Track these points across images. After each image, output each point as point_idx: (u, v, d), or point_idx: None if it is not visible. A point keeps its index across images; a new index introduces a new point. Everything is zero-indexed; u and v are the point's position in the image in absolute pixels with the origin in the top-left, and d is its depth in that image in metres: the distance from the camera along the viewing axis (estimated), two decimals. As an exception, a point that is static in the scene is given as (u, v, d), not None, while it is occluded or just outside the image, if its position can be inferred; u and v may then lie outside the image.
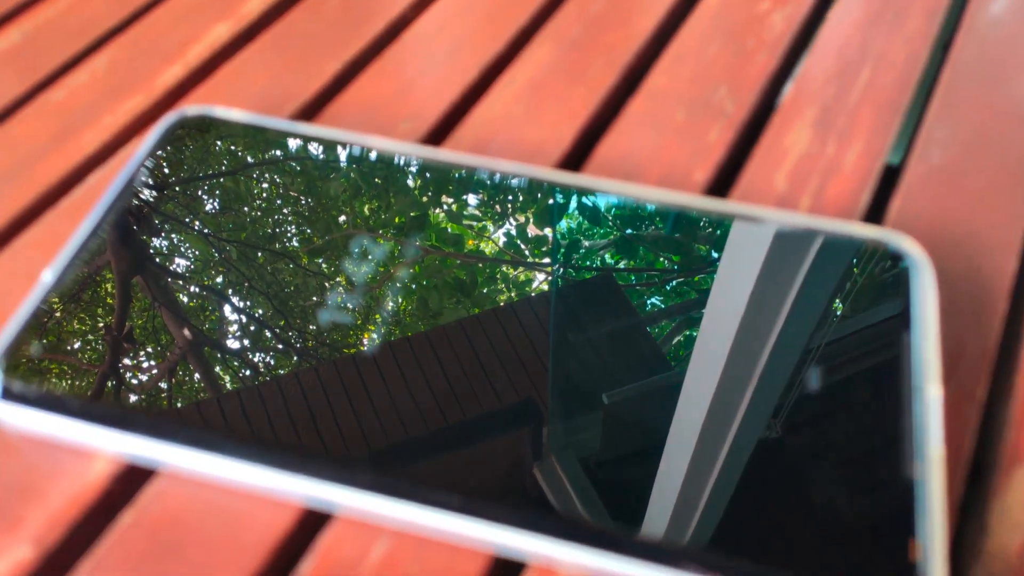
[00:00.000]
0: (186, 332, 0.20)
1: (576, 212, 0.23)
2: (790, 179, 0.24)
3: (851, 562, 0.17)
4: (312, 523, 0.18)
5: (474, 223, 0.23)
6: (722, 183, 0.25)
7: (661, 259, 0.22)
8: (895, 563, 0.16)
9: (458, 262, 0.22)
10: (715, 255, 0.22)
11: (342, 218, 0.23)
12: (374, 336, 0.20)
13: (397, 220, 0.23)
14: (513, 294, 0.22)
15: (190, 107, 0.24)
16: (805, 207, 0.24)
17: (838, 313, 0.21)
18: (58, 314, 0.20)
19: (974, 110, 0.26)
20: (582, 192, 0.23)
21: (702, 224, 0.22)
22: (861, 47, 0.28)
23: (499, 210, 0.23)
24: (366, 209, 0.23)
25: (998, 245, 0.23)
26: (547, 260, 0.22)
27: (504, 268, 0.22)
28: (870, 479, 0.18)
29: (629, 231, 0.23)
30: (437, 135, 0.26)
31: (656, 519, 0.17)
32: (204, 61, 0.27)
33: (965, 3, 0.30)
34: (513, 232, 0.23)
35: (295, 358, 0.20)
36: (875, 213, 0.24)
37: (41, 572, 0.17)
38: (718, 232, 0.22)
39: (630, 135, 0.25)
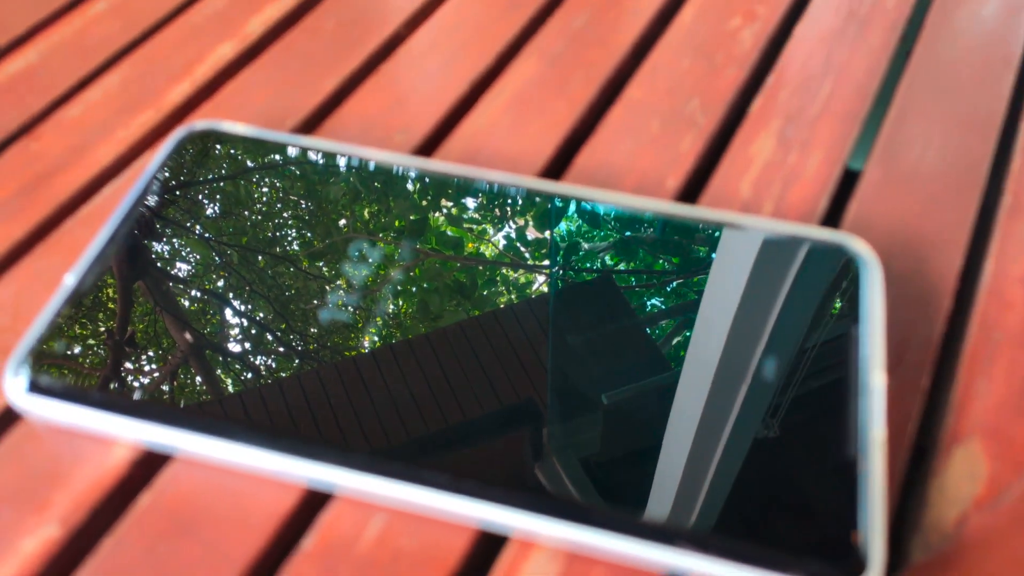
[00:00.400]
0: (197, 330, 0.22)
1: (574, 215, 0.24)
2: (755, 186, 0.26)
3: (800, 533, 0.19)
4: (314, 503, 0.20)
5: (473, 227, 0.24)
6: (692, 189, 0.26)
7: (659, 261, 0.24)
8: (840, 534, 0.18)
9: (458, 265, 0.24)
10: (681, 259, 0.24)
11: (342, 222, 0.24)
12: (376, 338, 0.22)
13: (397, 224, 0.24)
14: (513, 296, 0.23)
15: (198, 122, 0.26)
16: (768, 212, 0.25)
17: (796, 309, 0.22)
18: (80, 314, 0.22)
19: (929, 119, 0.28)
20: (563, 199, 0.24)
21: (671, 230, 0.24)
22: (824, 60, 0.30)
23: (498, 214, 0.25)
24: (366, 213, 0.25)
25: (946, 245, 0.25)
26: (547, 263, 0.24)
27: (504, 270, 0.24)
28: (822, 460, 0.20)
29: (607, 234, 0.24)
30: (429, 146, 0.28)
31: (619, 496, 0.19)
32: (210, 79, 0.29)
33: (924, 18, 0.31)
34: (513, 235, 0.24)
35: (301, 355, 0.22)
36: (834, 216, 0.26)
37: (67, 549, 0.19)
38: (686, 237, 0.24)
39: (608, 145, 0.27)
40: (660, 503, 0.19)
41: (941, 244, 0.25)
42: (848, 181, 0.27)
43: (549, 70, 0.29)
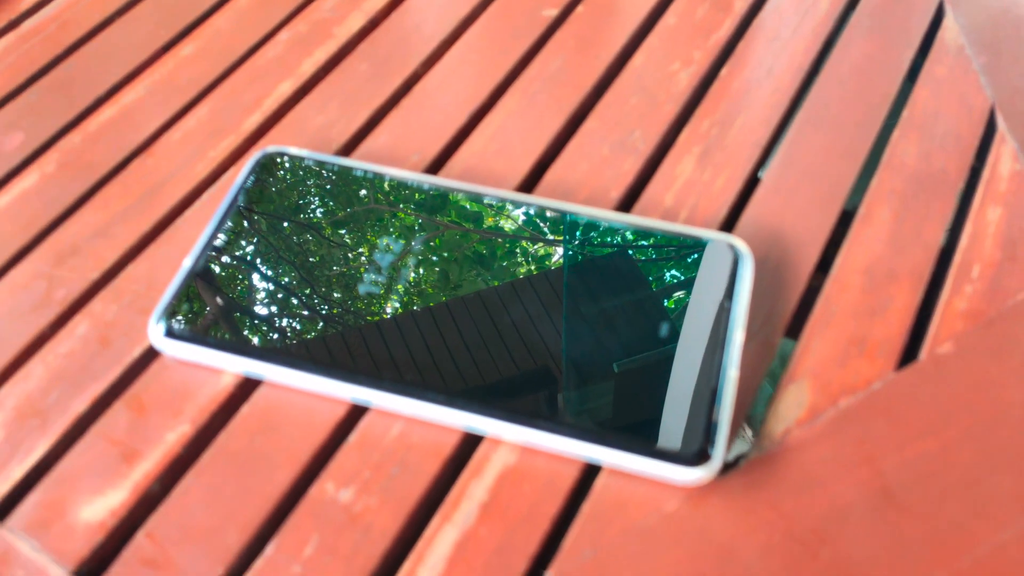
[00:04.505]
0: (278, 292, 0.32)
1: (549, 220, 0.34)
2: (676, 197, 0.36)
3: (674, 434, 0.28)
4: (357, 413, 0.30)
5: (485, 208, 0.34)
6: (629, 200, 0.36)
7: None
8: (701, 437, 0.28)
9: (478, 237, 0.33)
10: (618, 254, 0.33)
11: (377, 218, 0.34)
12: (403, 304, 0.32)
13: (421, 197, 0.34)
14: (532, 268, 0.33)
15: (270, 146, 0.35)
16: (682, 218, 0.35)
17: (691, 286, 0.32)
18: (196, 285, 0.32)
19: (810, 148, 0.37)
20: (531, 207, 0.34)
21: (607, 231, 0.34)
22: (739, 98, 0.39)
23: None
24: (395, 220, 0.34)
25: (808, 243, 0.34)
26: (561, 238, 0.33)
27: (523, 243, 0.33)
28: (698, 389, 0.29)
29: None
30: (437, 164, 0.37)
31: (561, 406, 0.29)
32: (275, 110, 0.39)
33: (821, 66, 0.41)
34: (532, 212, 0.33)
35: (350, 314, 0.32)
36: (733, 220, 0.35)
37: (195, 439, 0.29)
38: (620, 238, 0.33)
39: (569, 165, 0.37)
40: (583, 414, 0.29)
41: (805, 242, 0.34)
42: (754, 188, 0.36)
43: (528, 106, 0.39)
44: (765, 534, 0.27)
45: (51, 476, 0.28)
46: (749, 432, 0.30)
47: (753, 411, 0.31)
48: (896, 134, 0.38)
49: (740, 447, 0.30)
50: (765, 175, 0.36)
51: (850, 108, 0.39)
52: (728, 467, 0.28)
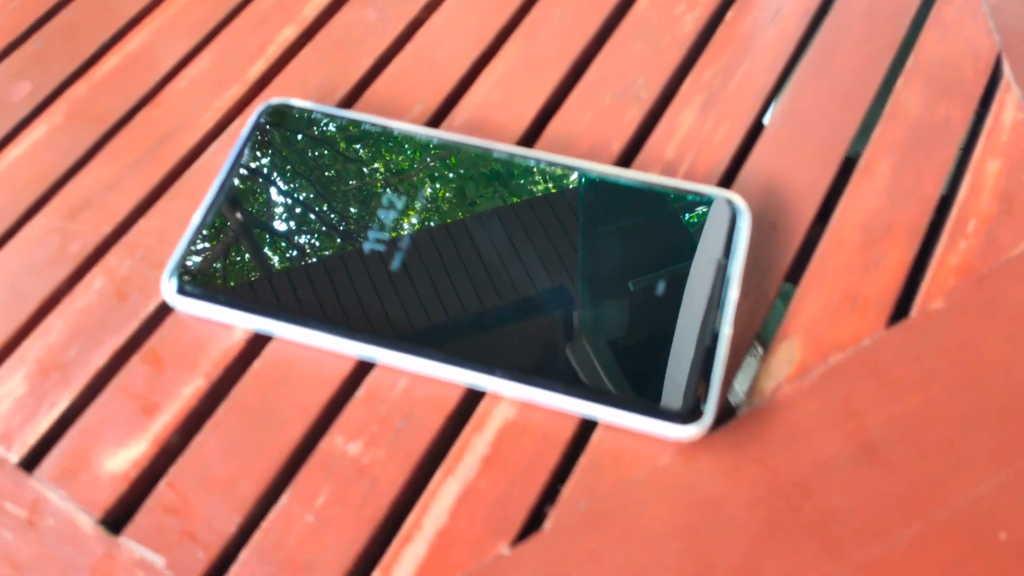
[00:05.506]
0: (287, 248, 0.33)
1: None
2: (676, 150, 0.36)
3: (669, 391, 0.29)
4: (364, 368, 0.31)
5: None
6: (631, 152, 0.36)
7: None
8: (695, 394, 0.29)
9: (495, 155, 0.34)
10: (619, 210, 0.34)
11: (376, 166, 0.35)
12: (410, 263, 0.32)
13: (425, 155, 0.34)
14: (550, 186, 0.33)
15: (274, 98, 0.36)
16: (682, 172, 0.35)
17: (692, 242, 0.33)
18: (207, 240, 0.32)
19: (811, 97, 0.37)
20: (532, 160, 0.34)
21: (611, 188, 0.34)
22: (744, 43, 0.39)
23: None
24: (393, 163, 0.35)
25: (806, 197, 0.34)
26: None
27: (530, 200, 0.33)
28: (693, 345, 0.30)
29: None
30: (440, 115, 0.37)
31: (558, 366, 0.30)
32: (278, 57, 0.39)
33: (830, 6, 0.40)
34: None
35: (358, 260, 0.32)
36: (733, 172, 0.36)
37: (210, 393, 0.31)
38: (620, 192, 0.34)
39: (571, 117, 0.37)
40: (580, 372, 0.30)
41: (803, 196, 0.35)
42: (755, 138, 0.36)
43: (530, 54, 0.39)
44: (751, 488, 0.28)
45: (75, 428, 0.30)
46: (760, 349, 0.31)
47: (765, 332, 0.32)
48: (901, 81, 0.38)
49: (739, 389, 0.31)
50: (768, 124, 0.36)
51: (856, 53, 0.38)
52: (721, 420, 0.30)
